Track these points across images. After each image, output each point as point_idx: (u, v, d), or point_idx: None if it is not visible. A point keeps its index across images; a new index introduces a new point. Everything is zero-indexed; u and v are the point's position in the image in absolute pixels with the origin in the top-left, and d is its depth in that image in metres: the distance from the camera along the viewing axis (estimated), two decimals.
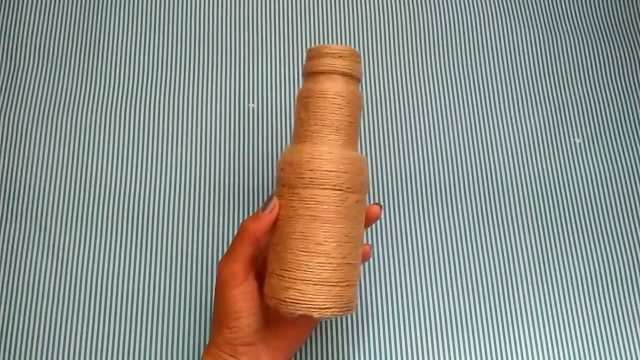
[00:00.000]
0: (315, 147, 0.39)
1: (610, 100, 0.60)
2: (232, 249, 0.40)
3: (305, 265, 0.38)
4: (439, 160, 0.55)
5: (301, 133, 0.40)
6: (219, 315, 0.40)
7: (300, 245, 0.38)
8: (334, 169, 0.38)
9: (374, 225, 0.52)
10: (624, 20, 0.65)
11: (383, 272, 0.51)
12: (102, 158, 0.53)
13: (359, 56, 0.41)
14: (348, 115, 0.40)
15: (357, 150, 0.41)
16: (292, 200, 0.39)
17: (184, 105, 0.56)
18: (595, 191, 0.55)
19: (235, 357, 0.39)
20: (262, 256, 0.43)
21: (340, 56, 0.40)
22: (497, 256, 0.52)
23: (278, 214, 0.39)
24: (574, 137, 0.58)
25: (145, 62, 0.57)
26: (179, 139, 0.54)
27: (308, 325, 0.42)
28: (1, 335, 0.47)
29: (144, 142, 0.54)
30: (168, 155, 0.54)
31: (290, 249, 0.38)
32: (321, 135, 0.39)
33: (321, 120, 0.39)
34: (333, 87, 0.40)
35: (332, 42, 0.60)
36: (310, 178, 0.38)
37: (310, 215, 0.38)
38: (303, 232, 0.38)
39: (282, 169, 0.40)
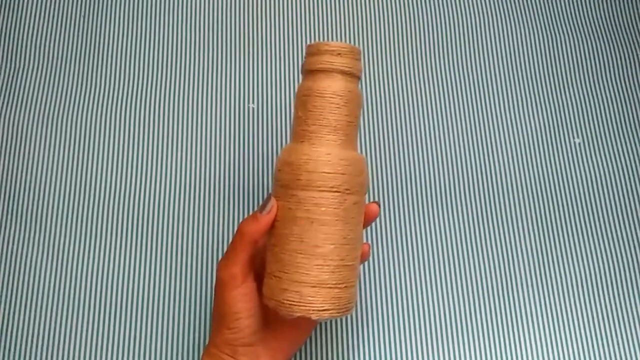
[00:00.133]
0: (313, 147, 0.38)
1: (609, 101, 0.59)
2: (230, 250, 0.40)
3: (303, 267, 0.37)
4: (438, 162, 0.55)
5: (299, 132, 0.40)
6: (219, 316, 0.40)
7: (298, 248, 0.38)
8: (331, 171, 0.38)
9: (373, 227, 0.52)
10: (624, 20, 0.64)
11: (383, 274, 0.51)
12: (102, 159, 0.53)
13: (359, 53, 0.40)
14: (347, 115, 0.39)
15: (356, 150, 0.41)
16: (289, 201, 0.38)
17: (184, 106, 0.55)
18: (595, 192, 0.55)
19: (234, 358, 0.39)
20: (261, 256, 0.42)
21: (339, 54, 0.39)
22: (497, 258, 0.52)
23: (276, 215, 0.39)
24: (573, 137, 0.57)
25: (145, 64, 0.57)
26: (179, 139, 0.54)
27: (308, 326, 0.42)
28: (1, 334, 0.47)
29: (144, 143, 0.54)
30: (168, 156, 0.53)
31: (288, 251, 0.38)
32: (319, 135, 0.39)
33: (319, 120, 0.39)
34: (331, 86, 0.39)
35: (333, 41, 0.59)
36: (307, 180, 0.38)
37: (307, 218, 0.38)
38: (300, 235, 0.38)
39: (279, 170, 0.40)
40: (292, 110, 0.55)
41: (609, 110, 0.59)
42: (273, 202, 0.39)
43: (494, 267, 0.52)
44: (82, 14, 0.58)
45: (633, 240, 0.53)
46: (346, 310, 0.39)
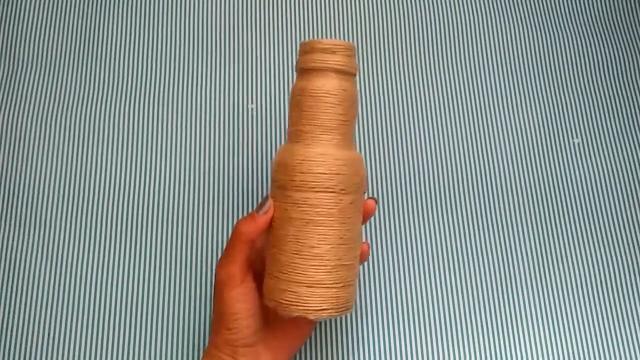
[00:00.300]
0: (308, 148, 0.38)
1: (607, 103, 0.58)
2: (227, 250, 0.40)
3: (300, 268, 0.38)
4: (434, 166, 0.54)
5: (294, 133, 0.39)
6: (218, 316, 0.40)
7: (294, 248, 0.38)
8: (325, 171, 0.37)
9: (372, 231, 0.52)
10: (620, 19, 0.62)
11: (382, 278, 0.51)
12: (101, 157, 0.53)
13: (354, 50, 0.40)
14: (341, 114, 0.39)
15: (353, 148, 0.40)
16: (285, 202, 0.38)
17: (183, 106, 0.55)
18: (593, 195, 0.54)
19: (234, 358, 0.39)
20: (261, 257, 0.43)
21: (333, 51, 0.38)
22: (496, 261, 0.52)
23: (273, 216, 0.39)
24: (572, 137, 0.56)
25: (145, 62, 0.56)
26: (179, 139, 0.54)
27: (308, 326, 0.42)
28: (0, 332, 0.47)
29: (142, 142, 0.54)
30: (167, 156, 0.53)
31: (284, 252, 0.38)
32: (313, 135, 0.38)
33: (312, 120, 0.38)
34: (325, 85, 0.38)
35: (327, 38, 0.58)
36: (302, 181, 0.38)
37: (302, 219, 0.38)
38: (296, 235, 0.38)
39: (275, 171, 0.40)
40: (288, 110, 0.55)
41: (606, 112, 0.58)
42: (270, 202, 0.39)
43: (493, 271, 0.51)
44: (75, 6, 0.58)
45: (632, 243, 0.53)
46: (345, 310, 0.39)
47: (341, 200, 0.38)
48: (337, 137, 0.39)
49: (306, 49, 0.39)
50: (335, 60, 0.38)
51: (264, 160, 0.53)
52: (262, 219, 0.39)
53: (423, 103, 0.57)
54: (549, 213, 0.54)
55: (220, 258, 0.40)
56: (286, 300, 0.38)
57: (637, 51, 0.61)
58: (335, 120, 0.38)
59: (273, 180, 0.40)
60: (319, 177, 0.37)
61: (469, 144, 0.56)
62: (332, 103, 0.38)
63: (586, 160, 0.56)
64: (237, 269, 0.39)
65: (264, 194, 0.52)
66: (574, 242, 0.53)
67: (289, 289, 0.38)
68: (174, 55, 0.57)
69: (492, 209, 0.53)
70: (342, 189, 0.38)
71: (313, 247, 0.37)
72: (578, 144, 0.56)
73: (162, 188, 0.52)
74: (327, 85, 0.38)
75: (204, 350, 0.46)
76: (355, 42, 0.59)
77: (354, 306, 0.41)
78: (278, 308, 0.38)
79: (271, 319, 0.41)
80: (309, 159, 0.38)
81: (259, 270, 0.42)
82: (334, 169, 0.38)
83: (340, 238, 0.38)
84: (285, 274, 0.38)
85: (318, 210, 0.37)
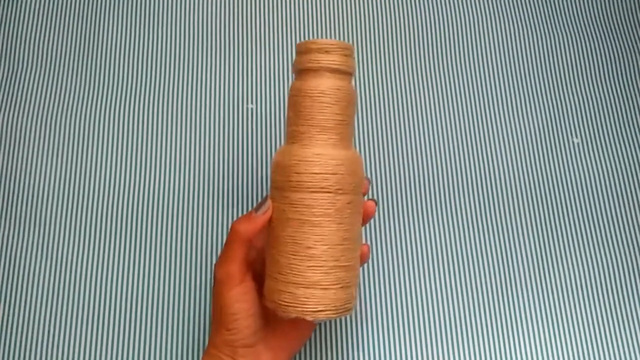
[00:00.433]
0: (303, 148, 0.38)
1: (608, 105, 0.58)
2: (225, 250, 0.40)
3: (297, 268, 0.37)
4: (433, 168, 0.54)
5: (291, 133, 0.39)
6: (217, 316, 0.40)
7: (291, 249, 0.38)
8: (320, 172, 0.37)
9: (372, 234, 0.51)
10: (620, 21, 0.62)
11: (382, 281, 0.50)
12: (99, 156, 0.53)
13: (350, 49, 0.39)
14: (337, 114, 0.38)
15: (351, 148, 0.40)
16: (282, 203, 0.38)
17: (182, 106, 0.55)
18: (592, 197, 0.54)
19: (234, 359, 0.39)
20: (261, 257, 0.42)
21: (327, 51, 0.38)
22: (496, 263, 0.51)
23: (272, 217, 0.39)
24: (572, 137, 0.55)
25: (145, 62, 0.57)
26: (178, 139, 0.54)
27: (308, 326, 0.42)
28: (1, 330, 0.47)
29: (141, 140, 0.54)
30: (167, 155, 0.53)
31: (282, 253, 0.38)
32: (309, 135, 0.38)
33: (308, 120, 0.38)
34: (319, 85, 0.38)
35: (323, 38, 0.58)
36: (298, 181, 0.37)
37: (299, 219, 0.37)
38: (293, 236, 0.38)
39: (273, 172, 0.40)
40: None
41: (606, 114, 0.57)
42: (269, 203, 0.39)
43: (493, 273, 0.51)
44: (76, 6, 0.58)
45: (632, 244, 0.52)
46: (344, 311, 0.39)
47: (338, 200, 0.38)
48: (334, 137, 0.38)
49: (302, 50, 0.39)
50: (330, 59, 0.38)
51: (264, 160, 0.53)
52: (260, 219, 0.39)
53: (422, 105, 0.56)
54: (549, 215, 0.53)
55: (218, 258, 0.40)
56: (284, 302, 0.38)
57: (636, 52, 0.60)
58: (331, 120, 0.38)
59: (271, 181, 0.40)
60: (315, 177, 0.37)
61: (467, 145, 0.55)
62: (327, 103, 0.38)
63: (586, 162, 0.55)
64: (235, 268, 0.39)
65: (265, 193, 0.52)
66: (574, 243, 0.52)
67: (286, 290, 0.38)
68: (174, 56, 0.57)
69: (492, 210, 0.53)
70: (338, 189, 0.38)
71: (309, 247, 0.37)
72: (578, 143, 0.55)
73: (162, 186, 0.52)
74: (322, 85, 0.38)
75: (204, 347, 0.47)
76: (354, 43, 0.59)
77: (353, 308, 0.41)
78: (277, 309, 0.38)
79: (271, 319, 0.41)
80: (305, 159, 0.38)
81: (259, 270, 0.42)
82: (329, 168, 0.37)
83: (338, 239, 0.38)
84: (282, 275, 0.38)
85: (314, 210, 0.37)
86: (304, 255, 0.37)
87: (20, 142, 0.53)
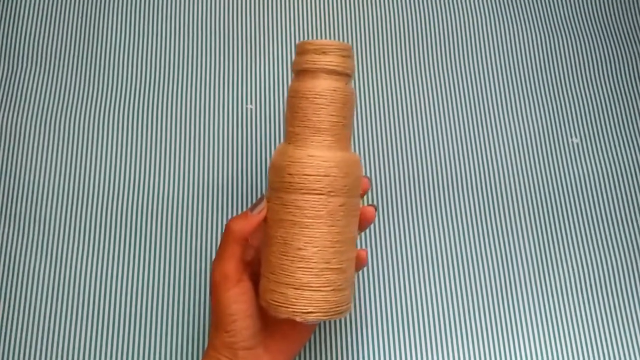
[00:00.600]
0: (298, 150, 0.38)
1: (607, 107, 0.57)
2: (220, 250, 0.40)
3: (287, 269, 0.37)
4: (431, 172, 0.54)
5: (287, 134, 0.40)
6: (216, 318, 0.39)
7: (282, 250, 0.38)
8: (313, 173, 0.37)
9: (370, 238, 0.51)
10: (620, 21, 0.60)
11: (381, 285, 0.50)
12: (98, 154, 0.53)
13: (348, 49, 0.39)
14: (333, 115, 0.38)
15: (348, 150, 0.40)
16: (276, 203, 0.39)
17: (181, 106, 0.55)
18: (592, 199, 0.53)
19: None
20: (259, 257, 0.42)
21: (324, 52, 0.38)
22: (495, 267, 0.51)
23: (266, 217, 0.39)
24: (571, 137, 0.54)
25: (144, 60, 0.57)
26: (177, 139, 0.54)
27: (307, 329, 0.42)
28: (1, 327, 0.48)
29: (140, 138, 0.54)
30: (166, 154, 0.53)
31: (274, 253, 0.38)
32: (304, 137, 0.38)
33: (303, 121, 0.38)
34: (316, 87, 0.38)
35: (321, 39, 0.58)
36: (290, 182, 0.37)
37: (290, 220, 0.37)
38: (284, 237, 0.38)
39: (269, 172, 0.40)
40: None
41: (605, 116, 0.56)
42: (264, 203, 0.39)
43: (493, 276, 0.50)
44: (73, 4, 0.58)
45: (632, 247, 0.51)
46: (335, 314, 0.38)
47: (330, 202, 0.37)
48: (329, 139, 0.38)
49: (300, 50, 0.39)
50: (327, 60, 0.38)
51: (264, 159, 0.53)
52: (255, 218, 0.39)
53: (419, 108, 0.56)
54: (548, 217, 0.52)
55: (214, 259, 0.40)
56: (275, 301, 0.38)
57: (633, 52, 0.59)
58: (327, 121, 0.38)
59: (268, 182, 0.40)
60: (307, 179, 0.37)
61: (465, 148, 0.55)
62: (323, 104, 0.38)
63: (585, 164, 0.54)
64: (231, 268, 0.39)
65: (262, 193, 0.52)
66: (573, 246, 0.52)
67: (278, 290, 0.38)
68: (174, 53, 0.57)
69: (491, 213, 0.52)
70: (330, 191, 0.37)
71: (300, 249, 0.37)
72: (577, 144, 0.54)
73: (161, 184, 0.52)
74: (319, 87, 0.38)
75: (204, 343, 0.47)
76: (356, 44, 0.58)
77: (349, 311, 0.40)
78: (268, 308, 0.39)
79: (270, 321, 0.41)
80: (298, 160, 0.38)
81: (257, 270, 0.41)
82: (321, 170, 0.37)
83: (329, 241, 0.37)
84: (274, 274, 0.38)
85: (305, 212, 0.37)
86: (295, 256, 0.37)
87: (19, 139, 0.53)
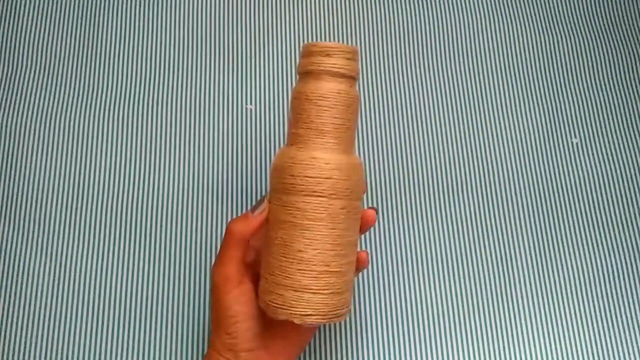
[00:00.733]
0: (300, 151, 0.38)
1: (606, 108, 0.57)
2: (221, 251, 0.40)
3: (287, 271, 0.37)
4: (431, 175, 0.54)
5: (290, 136, 0.39)
6: (216, 320, 0.39)
7: (282, 251, 0.38)
8: (314, 175, 0.37)
9: (370, 241, 0.51)
10: (619, 22, 0.60)
11: (381, 288, 0.50)
12: (97, 153, 0.53)
13: (353, 52, 0.39)
14: (336, 118, 0.38)
15: (351, 153, 0.39)
16: (277, 205, 0.38)
17: (181, 106, 0.55)
18: (592, 201, 0.53)
19: None
20: (260, 259, 0.42)
21: (328, 54, 0.38)
22: (495, 270, 0.51)
23: (267, 218, 0.39)
24: (570, 138, 0.54)
25: (144, 59, 0.57)
26: (177, 137, 0.54)
27: (308, 330, 0.42)
28: (2, 325, 0.47)
29: (140, 138, 0.53)
30: (166, 154, 0.53)
31: (274, 254, 0.38)
32: (307, 138, 0.38)
33: (307, 123, 0.38)
34: (319, 89, 0.38)
35: (327, 41, 0.57)
36: (291, 184, 0.37)
37: (291, 222, 0.37)
38: (284, 239, 0.38)
39: (270, 173, 0.40)
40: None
41: (605, 117, 0.56)
42: (265, 204, 0.39)
43: (493, 279, 0.50)
44: (72, 4, 0.58)
45: (631, 249, 0.52)
46: (333, 317, 0.38)
47: (331, 205, 0.37)
48: (332, 141, 0.38)
49: (304, 52, 0.39)
50: (331, 63, 0.38)
51: (265, 160, 0.53)
52: (256, 220, 0.39)
53: (418, 111, 0.56)
54: (548, 220, 0.52)
55: (215, 260, 0.40)
56: (273, 303, 0.38)
57: (632, 53, 0.59)
58: (330, 123, 0.38)
59: (270, 183, 0.40)
60: (308, 181, 0.37)
61: (464, 151, 0.55)
62: (326, 107, 0.38)
63: (584, 166, 0.54)
64: (232, 270, 0.39)
65: (262, 194, 0.52)
66: (574, 248, 0.52)
67: (276, 292, 0.38)
68: (175, 53, 0.57)
69: (491, 216, 0.52)
70: (332, 194, 0.37)
71: (300, 251, 0.37)
72: (577, 144, 0.54)
73: (161, 184, 0.52)
74: (323, 89, 0.38)
75: (206, 342, 0.47)
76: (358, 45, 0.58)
77: (348, 315, 0.40)
78: (267, 310, 0.38)
79: (271, 323, 0.40)
80: (300, 162, 0.37)
81: (258, 272, 0.41)
82: (323, 173, 0.37)
83: (329, 244, 0.37)
84: (274, 276, 0.38)
85: (306, 214, 0.37)
86: (294, 259, 0.37)
87: (18, 139, 0.53)
